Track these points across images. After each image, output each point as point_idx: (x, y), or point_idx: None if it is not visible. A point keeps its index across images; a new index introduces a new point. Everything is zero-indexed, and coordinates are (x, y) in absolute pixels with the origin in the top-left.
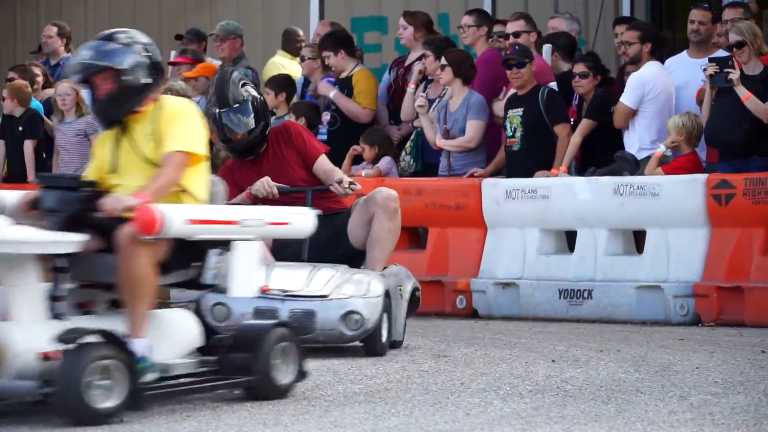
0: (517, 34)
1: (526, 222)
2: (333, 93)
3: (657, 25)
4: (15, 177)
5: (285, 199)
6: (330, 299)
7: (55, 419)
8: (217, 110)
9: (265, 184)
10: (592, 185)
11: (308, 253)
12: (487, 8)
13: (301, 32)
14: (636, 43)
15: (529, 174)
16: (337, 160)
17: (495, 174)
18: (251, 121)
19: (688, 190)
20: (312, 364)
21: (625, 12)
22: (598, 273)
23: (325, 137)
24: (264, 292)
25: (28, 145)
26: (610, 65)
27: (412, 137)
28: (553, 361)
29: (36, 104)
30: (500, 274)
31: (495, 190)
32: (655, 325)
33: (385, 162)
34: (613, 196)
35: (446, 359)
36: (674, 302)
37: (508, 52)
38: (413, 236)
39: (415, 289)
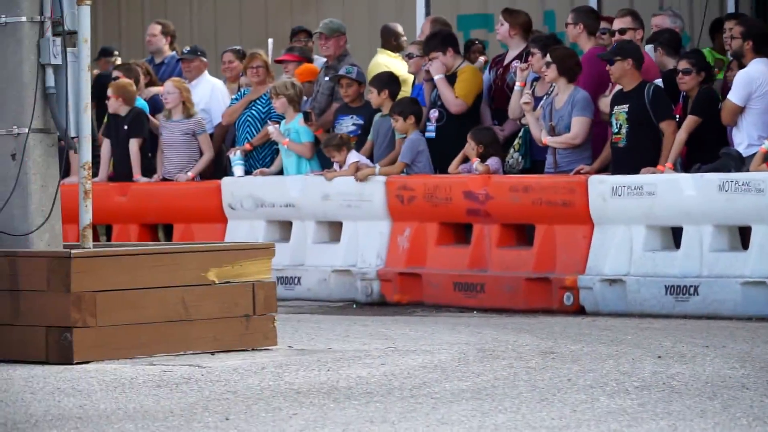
0: (623, 31)
1: (633, 218)
2: (438, 77)
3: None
4: (121, 176)
5: None
6: None
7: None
8: None
9: None
10: (697, 181)
11: None
12: (593, 5)
13: (400, 28)
14: (738, 38)
15: (635, 170)
16: (445, 157)
17: (601, 171)
18: None
19: None
20: (419, 361)
21: (730, 8)
22: (704, 269)
23: (433, 134)
24: None
25: (134, 144)
26: None
27: (520, 134)
28: (659, 357)
29: (140, 103)
30: (607, 270)
31: (601, 187)
32: (761, 321)
33: (494, 162)
34: (719, 193)
35: (553, 356)
36: None
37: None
38: (520, 233)
39: None
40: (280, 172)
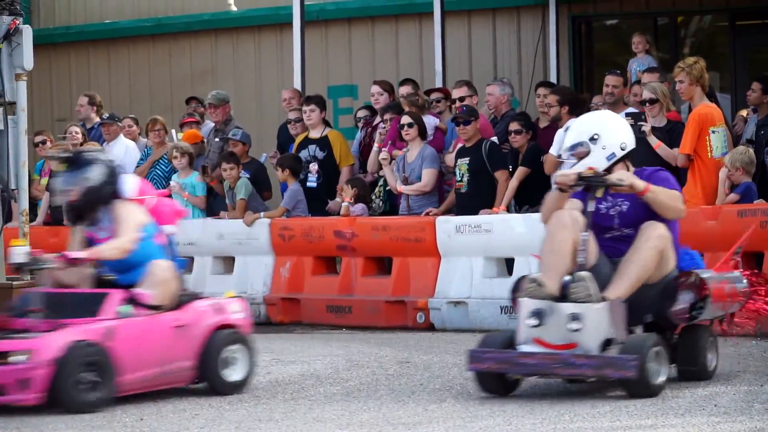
0: (462, 99)
1: (473, 251)
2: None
3: (578, 88)
4: (57, 221)
5: None
6: None
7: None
8: None
9: None
10: (526, 220)
11: None
12: (439, 76)
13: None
14: (555, 106)
15: (475, 212)
16: (322, 202)
17: (446, 212)
18: None
19: None
20: (298, 370)
21: (552, 77)
22: None
23: (314, 184)
24: None
25: None
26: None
27: (380, 183)
28: None
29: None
30: (452, 294)
31: (447, 226)
32: None
33: (359, 208)
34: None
35: (408, 365)
36: None
37: (457, 112)
38: (380, 264)
39: None
40: None
